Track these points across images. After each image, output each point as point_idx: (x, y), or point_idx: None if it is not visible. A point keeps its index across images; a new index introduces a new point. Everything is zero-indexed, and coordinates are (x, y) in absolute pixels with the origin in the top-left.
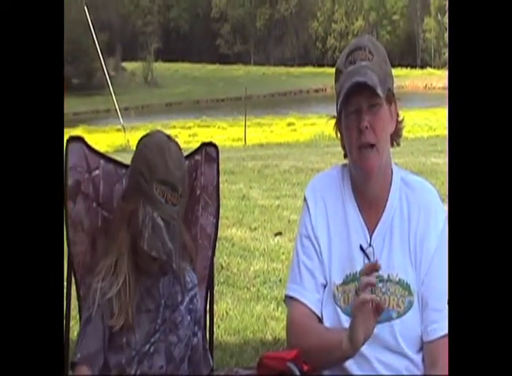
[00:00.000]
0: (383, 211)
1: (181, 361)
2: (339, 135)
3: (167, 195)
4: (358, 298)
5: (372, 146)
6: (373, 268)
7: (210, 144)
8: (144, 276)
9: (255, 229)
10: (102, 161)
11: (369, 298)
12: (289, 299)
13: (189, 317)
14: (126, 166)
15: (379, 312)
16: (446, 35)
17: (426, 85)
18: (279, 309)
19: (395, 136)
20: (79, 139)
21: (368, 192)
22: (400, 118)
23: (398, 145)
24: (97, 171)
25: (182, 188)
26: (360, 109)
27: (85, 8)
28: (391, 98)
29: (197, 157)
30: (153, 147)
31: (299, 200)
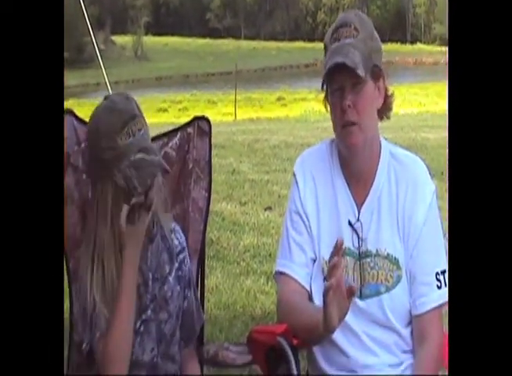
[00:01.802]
0: (371, 186)
1: (172, 335)
2: (328, 108)
3: (132, 129)
4: (325, 285)
5: (354, 124)
6: (339, 247)
7: (203, 118)
8: None
9: (245, 203)
10: None
11: (334, 283)
12: (278, 274)
13: (178, 287)
14: None
15: (352, 292)
16: (436, 10)
17: (416, 60)
18: (269, 283)
19: (385, 110)
20: (68, 112)
21: (355, 167)
22: (389, 92)
23: (388, 118)
24: (87, 142)
25: (141, 114)
26: (343, 87)
27: None
28: (378, 73)
29: (189, 130)
30: (97, 123)
31: (289, 174)
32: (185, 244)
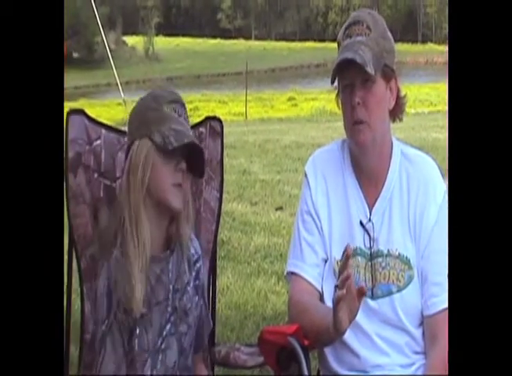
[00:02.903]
0: (382, 186)
1: (190, 346)
2: (340, 106)
3: (179, 110)
4: (337, 294)
5: (363, 122)
6: (347, 257)
7: (215, 118)
8: (155, 262)
9: (256, 203)
10: (103, 131)
11: (345, 293)
12: (290, 275)
13: (196, 298)
14: None
15: (362, 293)
16: (447, 10)
17: (427, 60)
18: (280, 283)
19: (398, 112)
20: (79, 112)
21: (366, 166)
22: (402, 94)
23: (401, 120)
24: (98, 141)
25: (187, 112)
26: (353, 84)
27: None
28: (389, 74)
29: (201, 129)
30: (150, 92)
31: (300, 175)
32: (200, 252)
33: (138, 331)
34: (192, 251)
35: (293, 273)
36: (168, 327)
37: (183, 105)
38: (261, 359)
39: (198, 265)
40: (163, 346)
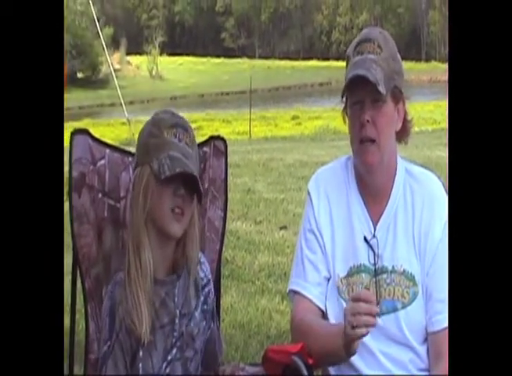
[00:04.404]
0: (387, 203)
1: (195, 371)
2: (347, 121)
3: (180, 134)
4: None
5: (372, 141)
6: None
7: (219, 138)
8: (159, 285)
9: (260, 222)
10: (107, 151)
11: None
12: (292, 293)
13: (204, 323)
14: (132, 154)
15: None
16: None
17: (431, 78)
18: (284, 302)
19: (404, 134)
20: (84, 132)
21: (372, 183)
22: (409, 117)
23: (406, 143)
24: (102, 161)
25: (193, 134)
26: (363, 101)
27: (90, 1)
28: (398, 96)
29: (205, 149)
30: (153, 116)
31: (304, 193)
32: (210, 276)
33: (141, 354)
34: (202, 274)
35: (295, 292)
36: (174, 351)
37: (186, 128)
38: None
39: (207, 289)
40: (167, 371)
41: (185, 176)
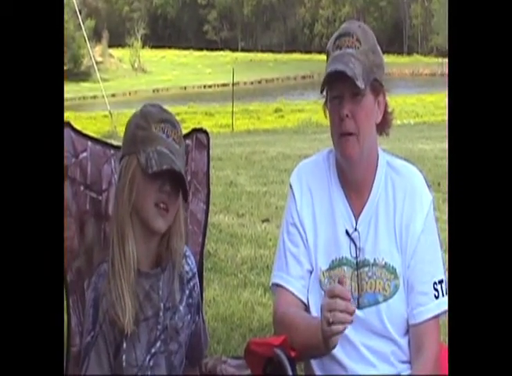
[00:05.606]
0: (368, 196)
1: (180, 365)
2: (327, 114)
3: (168, 130)
4: (327, 329)
5: (351, 134)
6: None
7: (201, 130)
8: (143, 277)
9: (242, 215)
10: (89, 143)
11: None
12: (275, 286)
13: (189, 316)
14: (114, 147)
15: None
16: (433, 21)
17: (413, 72)
18: (267, 295)
19: (384, 126)
20: (65, 124)
21: (353, 176)
22: (390, 109)
23: (387, 135)
24: (84, 154)
25: (181, 131)
26: (342, 96)
27: None
28: (378, 88)
29: (188, 142)
30: (142, 108)
31: (286, 186)
32: (195, 270)
33: (125, 346)
34: (187, 268)
35: (277, 285)
36: (158, 344)
37: (174, 125)
38: (248, 371)
39: (192, 283)
40: (151, 363)
41: (171, 173)
